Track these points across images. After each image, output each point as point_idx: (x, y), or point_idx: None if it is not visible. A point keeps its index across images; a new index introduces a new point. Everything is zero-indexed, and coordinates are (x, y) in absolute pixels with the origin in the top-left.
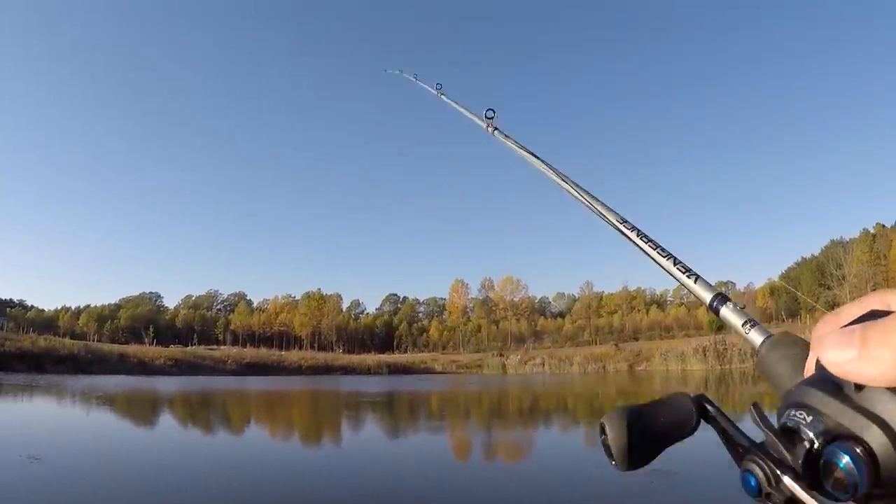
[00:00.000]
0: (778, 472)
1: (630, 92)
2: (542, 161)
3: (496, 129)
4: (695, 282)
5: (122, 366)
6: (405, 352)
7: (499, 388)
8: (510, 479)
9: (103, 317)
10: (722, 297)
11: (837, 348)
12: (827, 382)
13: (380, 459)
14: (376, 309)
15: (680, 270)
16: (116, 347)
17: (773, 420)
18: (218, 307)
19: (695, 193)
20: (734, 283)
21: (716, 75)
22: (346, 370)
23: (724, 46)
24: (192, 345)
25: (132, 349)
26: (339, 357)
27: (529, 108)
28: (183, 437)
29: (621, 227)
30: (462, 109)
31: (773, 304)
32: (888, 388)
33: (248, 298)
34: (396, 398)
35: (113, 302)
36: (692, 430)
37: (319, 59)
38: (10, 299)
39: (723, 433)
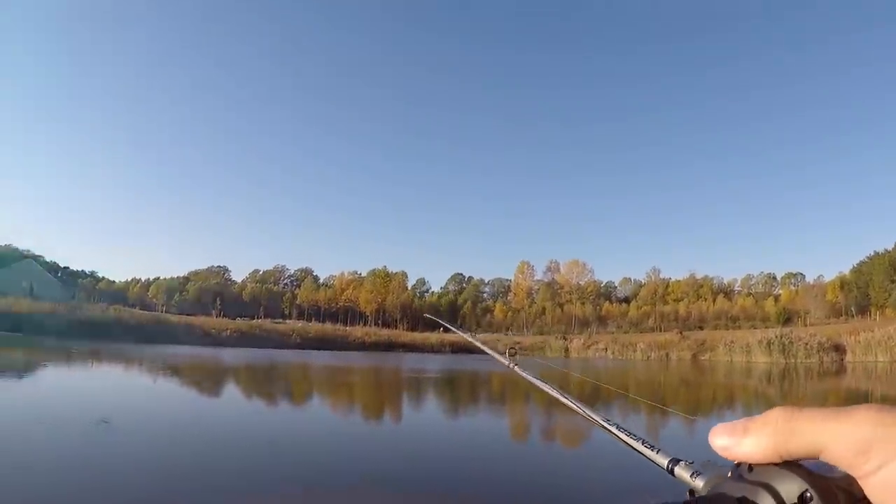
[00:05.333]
0: None
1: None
2: (555, 388)
3: (516, 364)
4: (657, 452)
5: (190, 336)
6: (469, 331)
7: (559, 372)
8: (560, 462)
9: (172, 289)
10: (675, 460)
11: (726, 435)
12: (734, 474)
13: (434, 436)
14: (441, 288)
15: (647, 447)
16: (184, 318)
17: None
18: (285, 282)
19: (770, 177)
20: (804, 275)
21: (803, 64)
22: (409, 347)
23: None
24: (258, 318)
25: (199, 320)
26: (403, 334)
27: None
28: (244, 406)
29: (605, 424)
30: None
31: (843, 298)
32: (771, 464)
33: (314, 274)
34: (457, 377)
35: (182, 275)
36: None
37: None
38: (82, 270)
39: None
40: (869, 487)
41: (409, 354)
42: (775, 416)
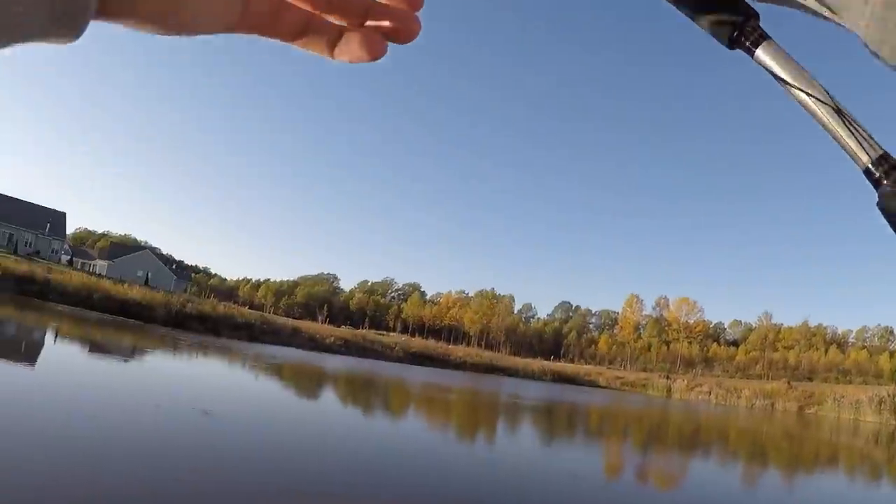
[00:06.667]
0: None
1: None
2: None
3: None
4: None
5: (294, 339)
6: (571, 361)
7: (660, 414)
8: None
9: (281, 291)
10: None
11: None
12: None
13: (526, 467)
14: (547, 315)
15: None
16: (290, 322)
17: None
18: (392, 295)
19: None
20: None
21: None
22: (510, 372)
23: None
24: (362, 328)
25: (305, 325)
26: (505, 358)
27: None
28: (340, 413)
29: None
30: None
31: None
32: None
33: (421, 290)
34: (555, 407)
35: (292, 279)
36: None
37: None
38: (196, 265)
39: None
40: None
41: (510, 379)
42: None
